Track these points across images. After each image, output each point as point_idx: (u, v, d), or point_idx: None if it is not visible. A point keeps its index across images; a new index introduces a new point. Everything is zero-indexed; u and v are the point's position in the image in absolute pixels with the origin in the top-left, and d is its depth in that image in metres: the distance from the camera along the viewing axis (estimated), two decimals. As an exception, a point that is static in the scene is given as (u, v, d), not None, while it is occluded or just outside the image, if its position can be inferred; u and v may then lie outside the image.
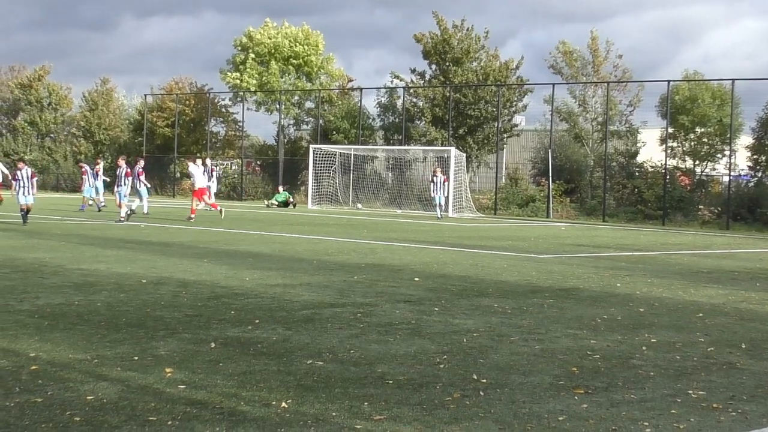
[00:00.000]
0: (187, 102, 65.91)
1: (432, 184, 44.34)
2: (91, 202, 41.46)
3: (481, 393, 8.10)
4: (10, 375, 8.25)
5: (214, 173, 48.86)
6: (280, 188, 53.05)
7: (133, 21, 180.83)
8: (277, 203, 51.07)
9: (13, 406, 7.21)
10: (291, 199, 51.48)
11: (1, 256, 18.53)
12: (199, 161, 39.01)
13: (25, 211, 28.20)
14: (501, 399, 7.91)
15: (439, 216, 43.01)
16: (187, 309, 12.28)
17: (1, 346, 9.48)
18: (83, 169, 43.01)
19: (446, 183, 44.65)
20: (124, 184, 32.67)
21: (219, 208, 36.60)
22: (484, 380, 8.57)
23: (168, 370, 8.58)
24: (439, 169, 45.12)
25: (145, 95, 67.86)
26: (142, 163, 38.82)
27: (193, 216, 33.87)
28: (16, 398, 7.45)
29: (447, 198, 45.41)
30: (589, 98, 53.87)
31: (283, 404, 7.47)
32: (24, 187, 28.57)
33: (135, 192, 38.33)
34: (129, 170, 33.59)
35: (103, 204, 40.69)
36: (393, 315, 12.34)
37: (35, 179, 29.57)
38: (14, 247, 20.90)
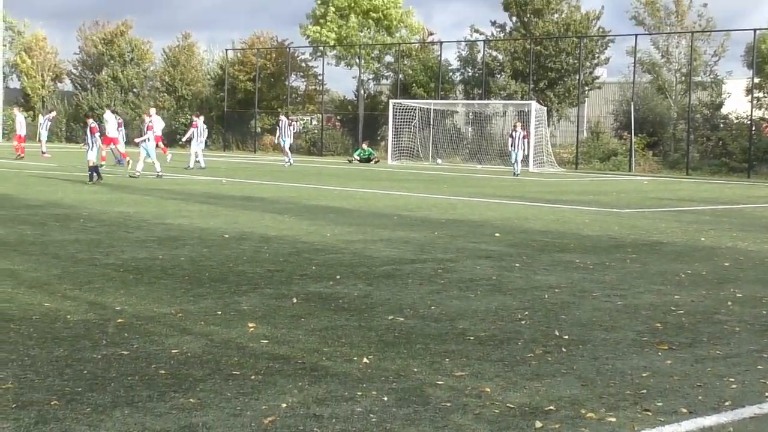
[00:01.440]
0: (268, 56, 66.07)
1: (511, 138, 43.40)
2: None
3: (564, 349, 8.06)
4: (98, 328, 8.41)
5: (292, 127, 48.69)
6: (364, 145, 52.96)
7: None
8: (359, 159, 51.13)
9: (100, 358, 7.35)
10: (374, 157, 51.44)
11: (88, 210, 18.83)
12: (109, 113, 39.22)
13: (92, 168, 27.66)
14: (583, 355, 7.87)
15: (516, 172, 41.89)
16: (269, 264, 12.38)
17: (89, 299, 9.66)
18: (118, 121, 41.01)
19: (526, 139, 43.71)
20: (149, 139, 31.86)
21: (127, 158, 36.46)
22: (566, 336, 8.53)
23: (251, 324, 8.67)
24: (519, 124, 44.35)
25: (227, 50, 68.03)
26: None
27: (103, 163, 33.48)
28: (103, 351, 7.59)
29: (527, 153, 44.62)
30: (673, 49, 52.88)
31: (365, 360, 7.51)
32: (87, 144, 28.08)
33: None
34: (152, 125, 32.79)
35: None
36: (474, 271, 12.31)
37: (97, 134, 28.59)
38: (100, 200, 21.23)
